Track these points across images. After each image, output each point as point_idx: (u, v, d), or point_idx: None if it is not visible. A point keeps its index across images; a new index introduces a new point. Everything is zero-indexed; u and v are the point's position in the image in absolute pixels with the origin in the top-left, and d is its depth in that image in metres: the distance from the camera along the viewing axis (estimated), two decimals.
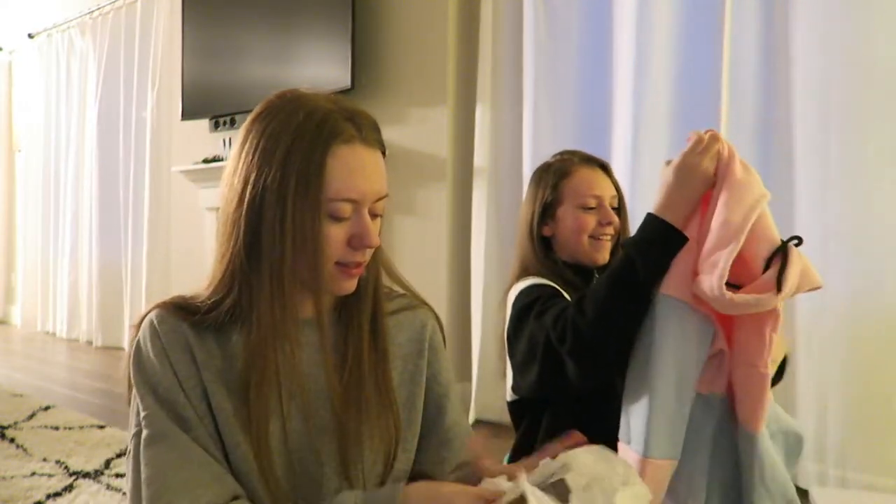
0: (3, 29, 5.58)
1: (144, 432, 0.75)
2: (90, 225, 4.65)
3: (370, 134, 0.78)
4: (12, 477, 2.09)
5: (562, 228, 1.34)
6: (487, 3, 2.77)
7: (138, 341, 0.79)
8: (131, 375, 0.78)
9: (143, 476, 0.73)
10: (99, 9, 4.58)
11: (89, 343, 4.61)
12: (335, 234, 0.76)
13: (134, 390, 0.78)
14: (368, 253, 0.80)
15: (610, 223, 1.32)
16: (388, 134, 3.06)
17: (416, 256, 2.88)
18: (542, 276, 1.33)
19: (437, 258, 2.87)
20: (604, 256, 1.33)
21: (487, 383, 2.75)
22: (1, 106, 5.67)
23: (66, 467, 2.19)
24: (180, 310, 0.80)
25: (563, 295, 1.24)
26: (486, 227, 2.76)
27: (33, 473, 2.13)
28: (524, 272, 1.36)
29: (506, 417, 1.40)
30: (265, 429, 0.76)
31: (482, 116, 2.78)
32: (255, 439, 0.76)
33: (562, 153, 1.41)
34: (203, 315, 0.78)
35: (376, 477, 0.82)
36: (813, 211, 2.03)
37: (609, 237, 1.33)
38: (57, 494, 1.97)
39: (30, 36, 5.22)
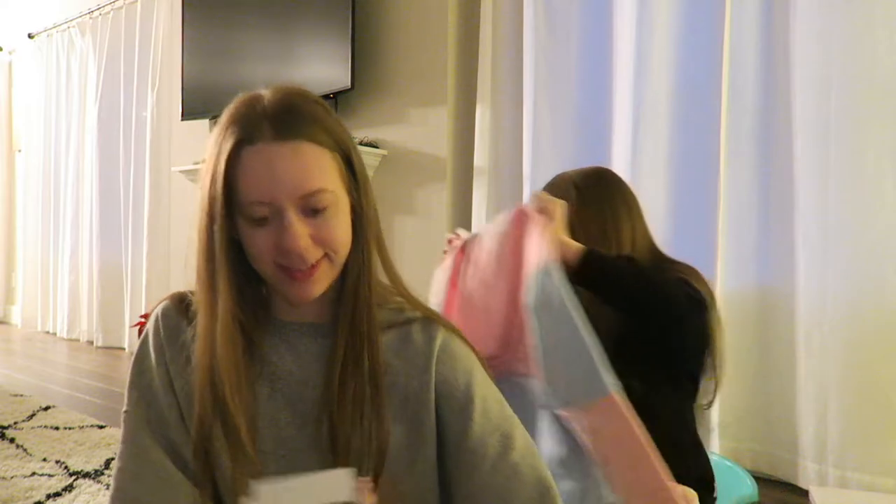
0: (3, 29, 5.58)
1: (122, 428, 0.79)
2: (90, 225, 4.65)
3: (290, 128, 0.72)
4: (12, 477, 2.09)
5: None
6: (487, 3, 2.77)
7: (147, 332, 0.81)
8: (132, 363, 0.81)
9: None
10: (99, 9, 4.58)
11: (89, 343, 4.61)
12: (259, 238, 0.73)
13: (128, 377, 0.81)
14: (312, 256, 0.73)
15: None
16: (388, 134, 3.07)
17: (416, 256, 2.88)
18: None
19: (437, 258, 2.86)
20: None
21: None
22: (1, 106, 5.67)
23: (66, 467, 2.18)
24: (184, 306, 0.81)
25: None
26: None
27: (33, 473, 2.13)
28: None
29: None
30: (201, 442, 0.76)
31: (482, 116, 2.78)
32: (197, 450, 0.76)
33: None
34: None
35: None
36: (813, 211, 2.03)
37: None
38: (57, 494, 1.97)
39: (30, 36, 5.22)
